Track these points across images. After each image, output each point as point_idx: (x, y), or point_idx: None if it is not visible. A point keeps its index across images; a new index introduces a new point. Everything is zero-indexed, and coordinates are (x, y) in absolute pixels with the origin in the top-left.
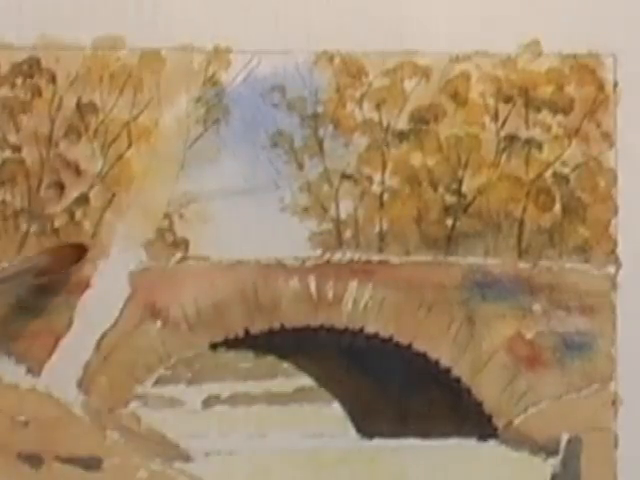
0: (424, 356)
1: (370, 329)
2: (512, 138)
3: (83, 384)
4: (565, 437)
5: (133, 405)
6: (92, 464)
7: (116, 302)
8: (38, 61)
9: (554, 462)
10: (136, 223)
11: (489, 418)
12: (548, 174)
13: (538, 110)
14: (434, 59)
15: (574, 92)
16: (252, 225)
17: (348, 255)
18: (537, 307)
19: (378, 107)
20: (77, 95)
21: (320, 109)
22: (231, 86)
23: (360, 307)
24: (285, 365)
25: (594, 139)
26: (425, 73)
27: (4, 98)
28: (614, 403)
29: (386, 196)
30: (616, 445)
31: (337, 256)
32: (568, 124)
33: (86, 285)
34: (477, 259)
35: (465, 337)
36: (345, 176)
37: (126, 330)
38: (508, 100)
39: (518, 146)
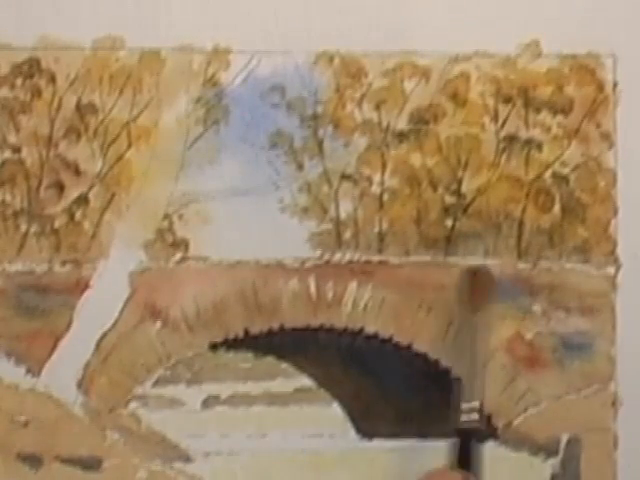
0: (424, 356)
1: (370, 329)
2: (512, 138)
3: (83, 384)
4: (565, 437)
5: (133, 405)
6: (92, 464)
7: (116, 302)
8: (38, 62)
9: (554, 462)
10: (136, 223)
11: (488, 418)
12: (548, 174)
13: (538, 110)
14: (434, 59)
15: (574, 92)
16: (252, 225)
17: (348, 256)
18: (537, 307)
19: (378, 107)
20: (77, 96)
21: (320, 109)
22: (231, 86)
23: (360, 307)
24: (285, 365)
25: (594, 139)
26: (425, 73)
27: (4, 99)
28: (614, 403)
29: (386, 196)
30: (616, 445)
31: (337, 257)
32: (568, 124)
33: (86, 286)
34: (477, 259)
35: (465, 337)
36: (345, 176)
37: (126, 330)
38: (508, 100)
39: (518, 146)
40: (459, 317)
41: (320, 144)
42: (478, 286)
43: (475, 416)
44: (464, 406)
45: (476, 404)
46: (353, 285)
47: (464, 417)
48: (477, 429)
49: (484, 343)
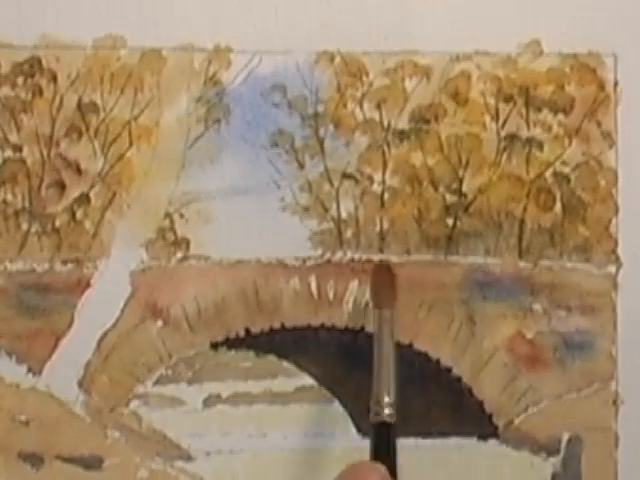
0: (424, 356)
1: (371, 329)
2: (513, 137)
3: (84, 383)
4: (566, 436)
5: (134, 404)
6: (93, 463)
7: (117, 302)
8: (39, 61)
9: (555, 461)
10: (137, 222)
11: (489, 417)
12: (549, 173)
13: (539, 110)
14: (434, 58)
15: (574, 92)
16: (253, 224)
17: (349, 254)
18: (537, 307)
19: (379, 106)
20: (78, 95)
21: (321, 108)
22: (232, 86)
23: (361, 307)
24: (286, 364)
25: (594, 139)
26: (426, 72)
27: (5, 98)
28: (615, 402)
29: (387, 195)
30: (617, 445)
31: (338, 255)
32: (569, 124)
33: (86, 285)
34: (478, 258)
35: (466, 337)
36: (346, 175)
37: (127, 329)
38: (508, 99)
39: (519, 145)
40: (468, 315)
41: (321, 143)
42: (383, 282)
43: (387, 410)
44: (378, 400)
45: (388, 398)
46: (354, 284)
47: (378, 411)
48: (389, 423)
49: (389, 339)
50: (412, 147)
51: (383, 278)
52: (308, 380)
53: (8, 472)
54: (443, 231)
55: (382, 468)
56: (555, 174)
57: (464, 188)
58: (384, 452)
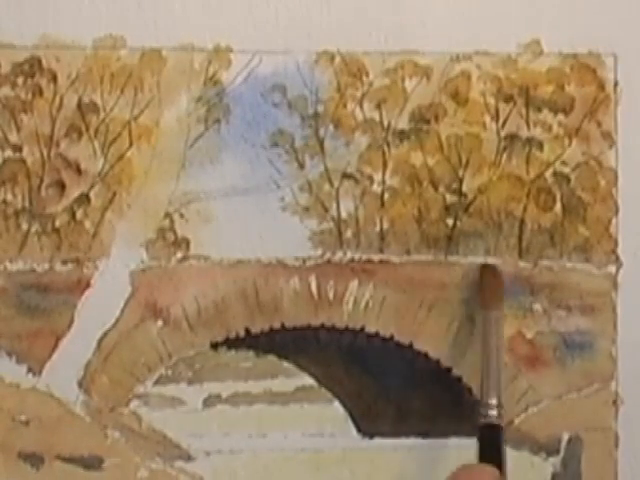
0: (425, 356)
1: (371, 329)
2: (513, 137)
3: (84, 383)
4: (566, 436)
5: (134, 404)
6: (93, 463)
7: (117, 302)
8: (39, 61)
9: (555, 461)
10: (137, 222)
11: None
12: (549, 173)
13: (539, 110)
14: (434, 59)
15: (575, 92)
16: (253, 224)
17: (349, 255)
18: (537, 307)
19: (379, 106)
20: (78, 95)
21: (321, 108)
22: (232, 85)
23: (361, 307)
24: (286, 365)
25: (594, 139)
26: (426, 72)
27: (5, 98)
28: (615, 402)
29: (387, 195)
30: (617, 445)
31: (338, 255)
32: (569, 124)
33: (86, 285)
34: (478, 258)
35: (465, 337)
36: (346, 175)
37: (127, 329)
38: (509, 100)
39: (519, 145)
40: (468, 315)
41: (321, 143)
42: (491, 284)
43: (494, 412)
44: (486, 402)
45: (496, 400)
46: (354, 284)
47: (485, 413)
48: (497, 425)
49: (496, 341)
50: (412, 147)
51: (491, 279)
52: (308, 380)
53: (8, 472)
54: (443, 231)
55: (495, 471)
56: (555, 174)
57: (464, 188)
58: (493, 454)
